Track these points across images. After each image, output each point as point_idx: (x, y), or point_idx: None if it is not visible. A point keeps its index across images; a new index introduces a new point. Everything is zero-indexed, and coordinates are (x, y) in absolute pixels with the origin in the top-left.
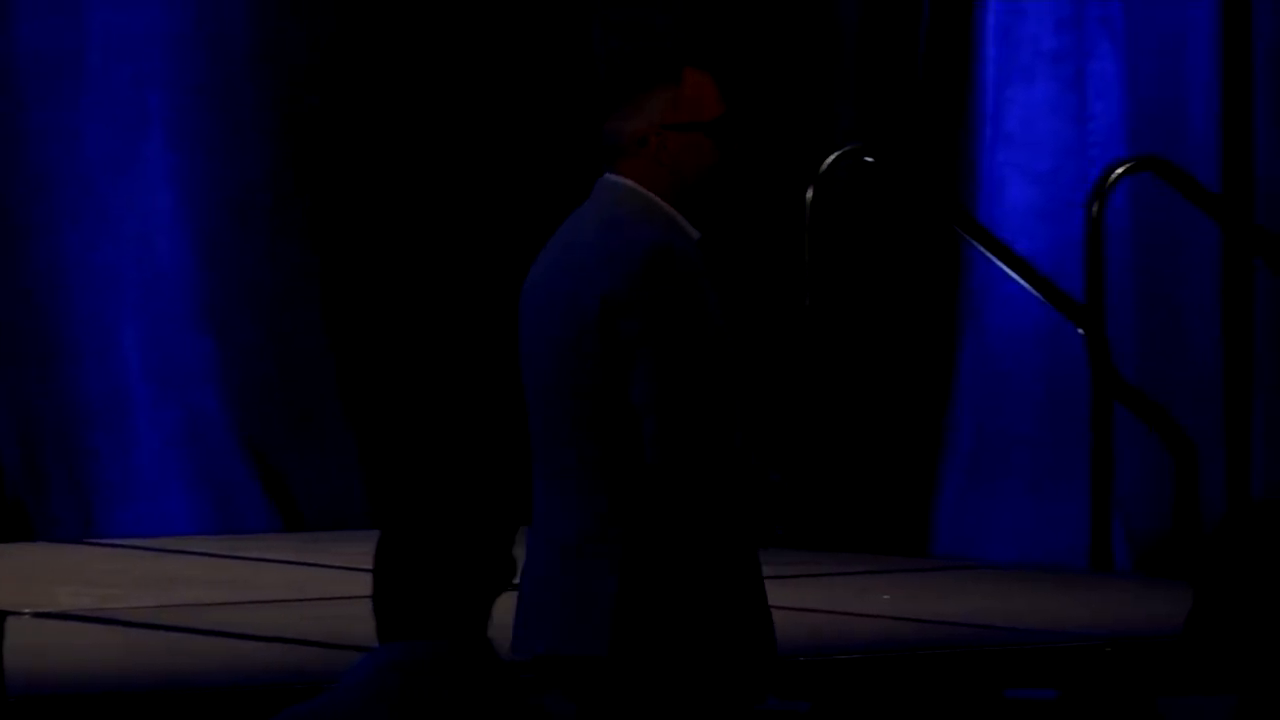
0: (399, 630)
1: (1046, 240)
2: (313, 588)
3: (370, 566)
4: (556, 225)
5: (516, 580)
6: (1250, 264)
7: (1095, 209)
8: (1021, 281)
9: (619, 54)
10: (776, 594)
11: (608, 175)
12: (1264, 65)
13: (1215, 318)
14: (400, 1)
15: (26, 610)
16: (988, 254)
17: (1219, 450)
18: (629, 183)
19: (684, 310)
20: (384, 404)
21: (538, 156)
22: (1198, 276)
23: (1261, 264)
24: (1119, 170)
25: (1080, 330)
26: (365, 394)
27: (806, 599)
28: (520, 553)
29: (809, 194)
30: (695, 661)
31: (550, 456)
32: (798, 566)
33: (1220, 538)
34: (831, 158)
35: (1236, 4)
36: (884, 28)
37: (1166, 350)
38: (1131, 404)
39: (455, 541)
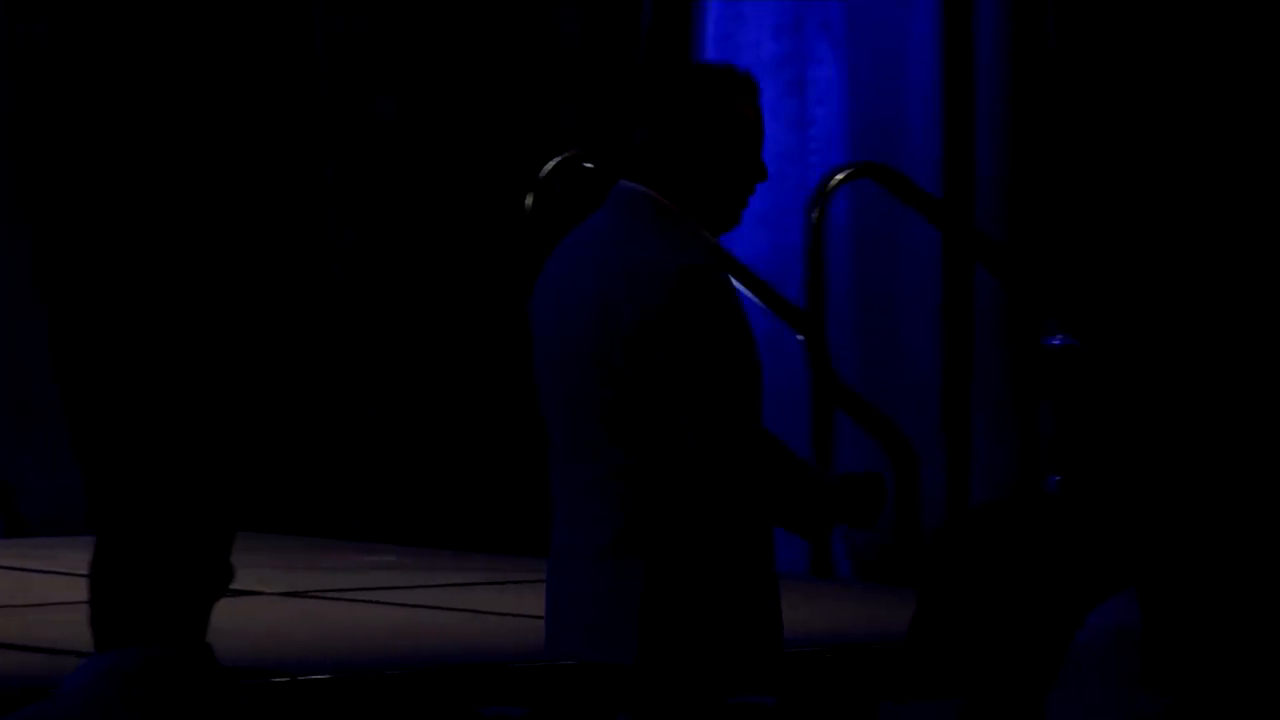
0: (116, 636)
1: (767, 246)
2: (34, 593)
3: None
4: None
5: (236, 585)
6: (970, 269)
7: (815, 215)
8: (741, 287)
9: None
10: (496, 601)
11: (624, 183)
12: (985, 71)
13: (935, 323)
14: None
15: None
16: None
17: (939, 456)
18: (650, 192)
19: (720, 330)
20: (99, 407)
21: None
22: (918, 282)
23: (981, 269)
24: (839, 176)
25: (800, 336)
26: (82, 396)
27: (526, 605)
28: (237, 560)
29: (528, 200)
30: (716, 666)
31: (579, 466)
32: (518, 572)
33: (941, 544)
34: (551, 164)
35: (958, 10)
36: (604, 33)
37: (887, 356)
38: (852, 410)
39: (171, 546)
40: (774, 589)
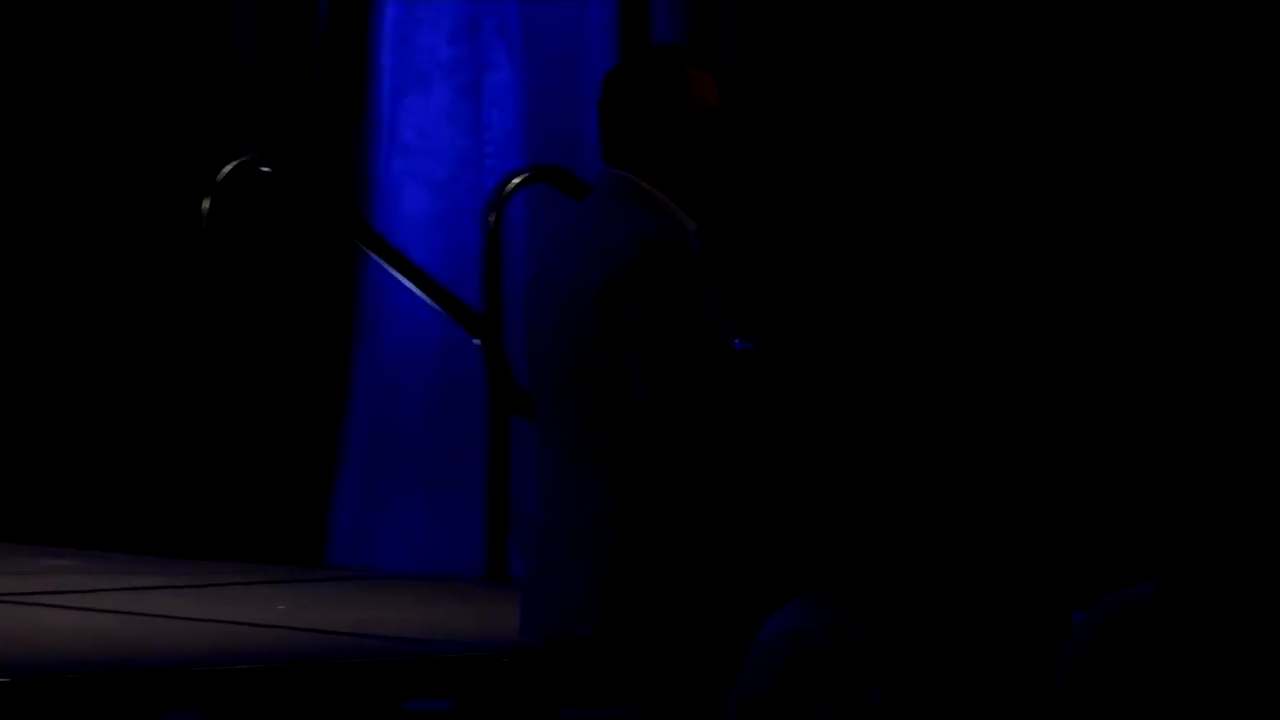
0: None
1: (443, 250)
2: None
3: None
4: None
5: None
6: None
7: (492, 219)
8: (418, 291)
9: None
10: (175, 604)
11: (608, 169)
12: None
13: None
14: None
15: None
16: (384, 264)
17: None
18: (628, 175)
19: (678, 301)
20: None
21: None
22: None
23: None
24: (516, 180)
25: (477, 340)
26: None
27: (205, 609)
28: None
29: (205, 204)
30: (680, 640)
31: (560, 445)
32: (196, 576)
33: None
34: (228, 167)
35: (634, 16)
36: (280, 36)
37: None
38: (529, 415)
39: None
40: (744, 572)
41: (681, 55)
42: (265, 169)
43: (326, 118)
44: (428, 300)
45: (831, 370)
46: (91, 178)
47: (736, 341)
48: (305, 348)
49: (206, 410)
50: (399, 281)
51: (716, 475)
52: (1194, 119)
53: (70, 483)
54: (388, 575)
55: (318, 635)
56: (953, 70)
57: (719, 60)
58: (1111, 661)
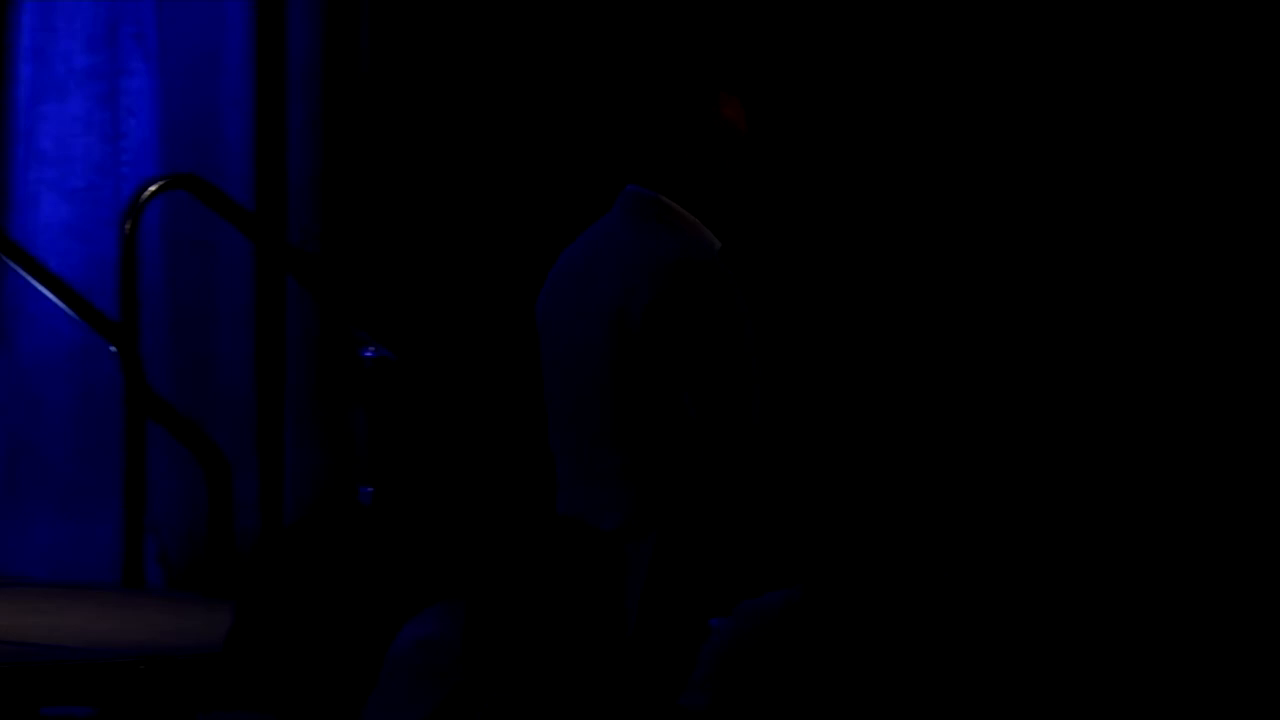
0: None
1: (81, 258)
2: None
3: None
4: None
5: None
6: (283, 281)
7: (128, 227)
8: (55, 299)
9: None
10: None
11: (632, 187)
12: (298, 86)
13: (249, 335)
14: None
15: None
16: (21, 272)
17: (253, 466)
18: (658, 196)
19: (723, 321)
20: None
21: None
22: (232, 294)
23: (294, 282)
24: (152, 188)
25: (114, 348)
26: None
27: None
28: None
29: None
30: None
31: (590, 459)
32: None
33: (259, 556)
34: None
35: (271, 26)
36: None
37: (202, 367)
38: (165, 420)
39: None
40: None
41: (715, 79)
42: None
43: None
44: (65, 308)
45: (465, 378)
46: None
47: (370, 350)
48: None
49: None
50: (36, 289)
51: (760, 490)
52: (1194, 119)
53: None
54: (26, 582)
55: None
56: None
57: (353, 71)
58: (742, 671)
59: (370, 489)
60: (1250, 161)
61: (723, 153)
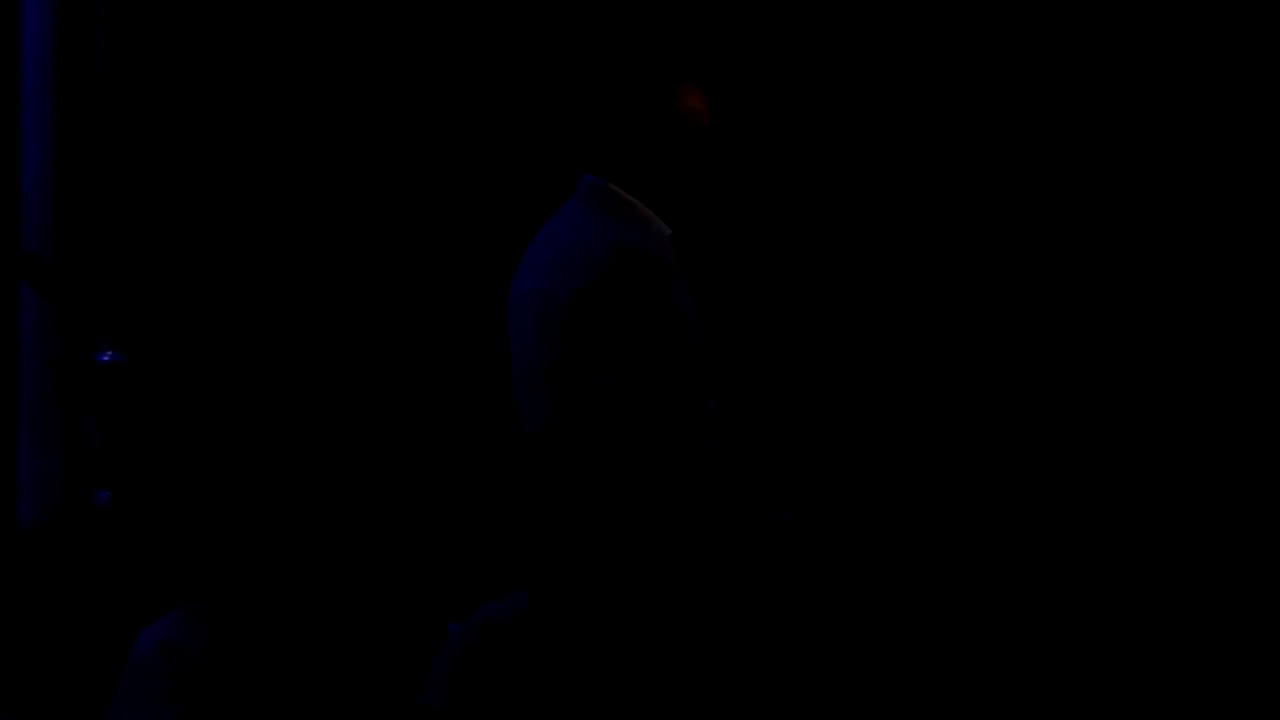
0: None
1: None
2: None
3: None
4: None
5: None
6: (15, 286)
7: None
8: None
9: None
10: None
11: (588, 176)
12: (32, 91)
13: None
14: None
15: None
16: None
17: None
18: (606, 184)
19: (646, 306)
20: None
21: None
22: None
23: (27, 288)
24: None
25: None
26: None
27: None
28: None
29: None
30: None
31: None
32: None
33: None
34: None
35: (2, 19)
36: None
37: None
38: None
39: None
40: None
41: (674, 71)
42: None
43: None
44: None
45: (201, 381)
46: None
47: (106, 354)
48: None
49: None
50: None
51: (685, 478)
52: (1194, 119)
53: None
54: None
55: None
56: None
57: (88, 70)
58: (475, 675)
59: (107, 493)
60: (1250, 161)
61: (679, 143)
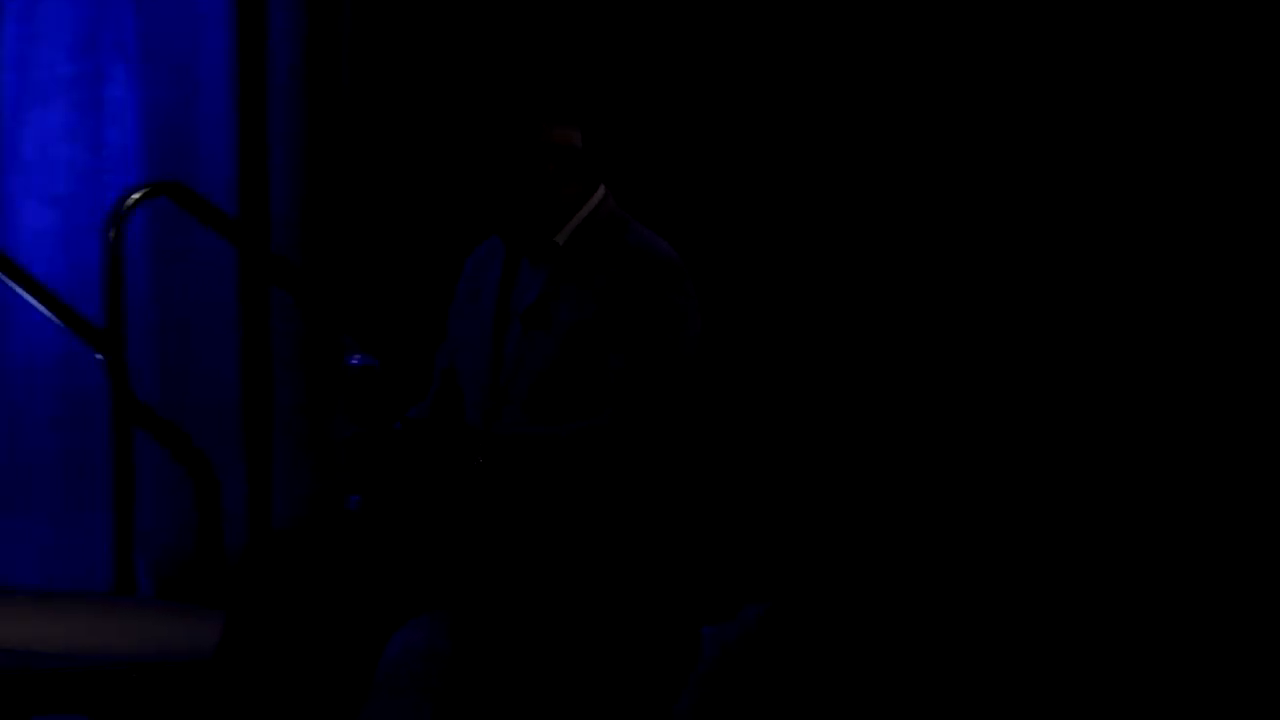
0: None
1: (65, 265)
2: None
3: None
4: None
5: None
6: (267, 289)
7: (112, 234)
8: (40, 307)
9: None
10: None
11: None
12: (280, 93)
13: (234, 343)
14: None
15: None
16: (6, 279)
17: (241, 474)
18: None
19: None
20: None
21: None
22: (217, 302)
23: (278, 290)
24: (135, 196)
25: (100, 356)
26: None
27: None
28: None
29: None
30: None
31: None
32: None
33: (248, 564)
34: None
35: (252, 33)
36: None
37: (187, 375)
38: (151, 428)
39: None
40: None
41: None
42: None
43: None
44: (50, 315)
45: None
46: None
47: (356, 357)
48: None
49: None
50: (21, 297)
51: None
52: (1194, 119)
53: None
54: (15, 591)
55: None
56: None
57: (335, 80)
58: (726, 679)
59: (357, 497)
60: (1250, 161)
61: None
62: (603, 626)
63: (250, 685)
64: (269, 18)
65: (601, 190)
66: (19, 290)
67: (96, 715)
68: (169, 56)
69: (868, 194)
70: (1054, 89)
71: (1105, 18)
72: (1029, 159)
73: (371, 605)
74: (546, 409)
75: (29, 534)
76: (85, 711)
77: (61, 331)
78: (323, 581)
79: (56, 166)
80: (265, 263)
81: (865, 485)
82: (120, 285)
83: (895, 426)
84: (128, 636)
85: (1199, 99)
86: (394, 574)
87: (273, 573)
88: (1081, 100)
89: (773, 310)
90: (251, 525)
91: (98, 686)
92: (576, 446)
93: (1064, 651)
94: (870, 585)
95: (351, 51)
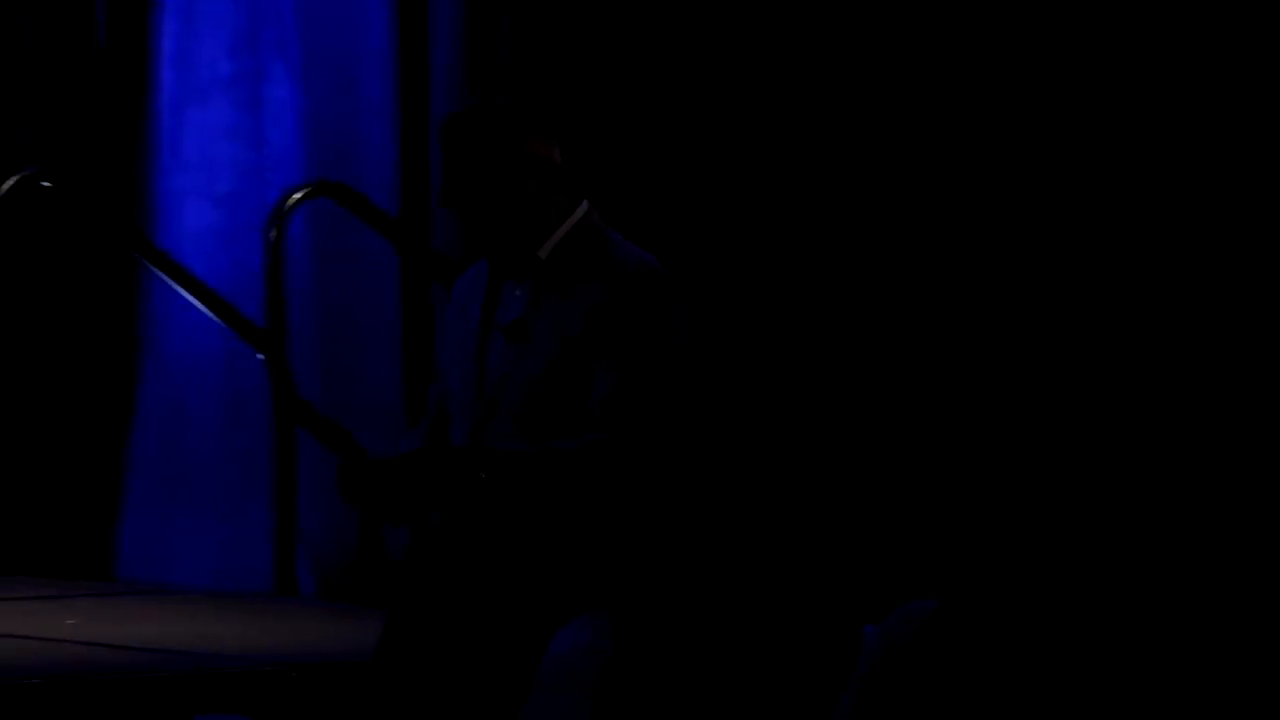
0: None
1: (227, 265)
2: None
3: None
4: None
5: None
6: (428, 287)
7: (274, 233)
8: (201, 306)
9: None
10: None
11: None
12: (440, 91)
13: (396, 340)
14: None
15: None
16: (167, 279)
17: None
18: None
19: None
20: None
21: None
22: (378, 300)
23: (440, 288)
24: (297, 195)
25: (261, 355)
26: None
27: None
28: None
29: None
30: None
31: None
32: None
33: (407, 564)
34: (9, 183)
35: (412, 32)
36: (60, 52)
37: (349, 373)
38: (313, 427)
39: None
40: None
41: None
42: (47, 184)
43: (107, 132)
44: (211, 315)
45: None
46: None
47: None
48: (89, 363)
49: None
50: (182, 296)
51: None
52: (1194, 119)
53: None
54: (177, 589)
55: (107, 649)
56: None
57: (496, 79)
58: (890, 679)
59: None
60: (1250, 161)
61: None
62: (762, 626)
63: (410, 685)
64: (430, 17)
65: (585, 204)
66: (180, 290)
67: (257, 715)
68: (329, 55)
69: (863, 196)
70: (1054, 90)
71: (1105, 19)
72: (1029, 160)
73: (532, 603)
74: (534, 422)
75: (193, 530)
76: (247, 711)
77: (223, 331)
78: (484, 581)
79: (218, 166)
80: (427, 261)
81: (1035, 478)
82: (281, 284)
83: (1072, 417)
84: (289, 636)
85: (1199, 100)
86: (556, 571)
87: (433, 571)
88: (1081, 102)
89: (875, 306)
90: (412, 527)
91: (258, 687)
92: (579, 463)
93: (1246, 654)
94: (1043, 581)
95: (513, 50)
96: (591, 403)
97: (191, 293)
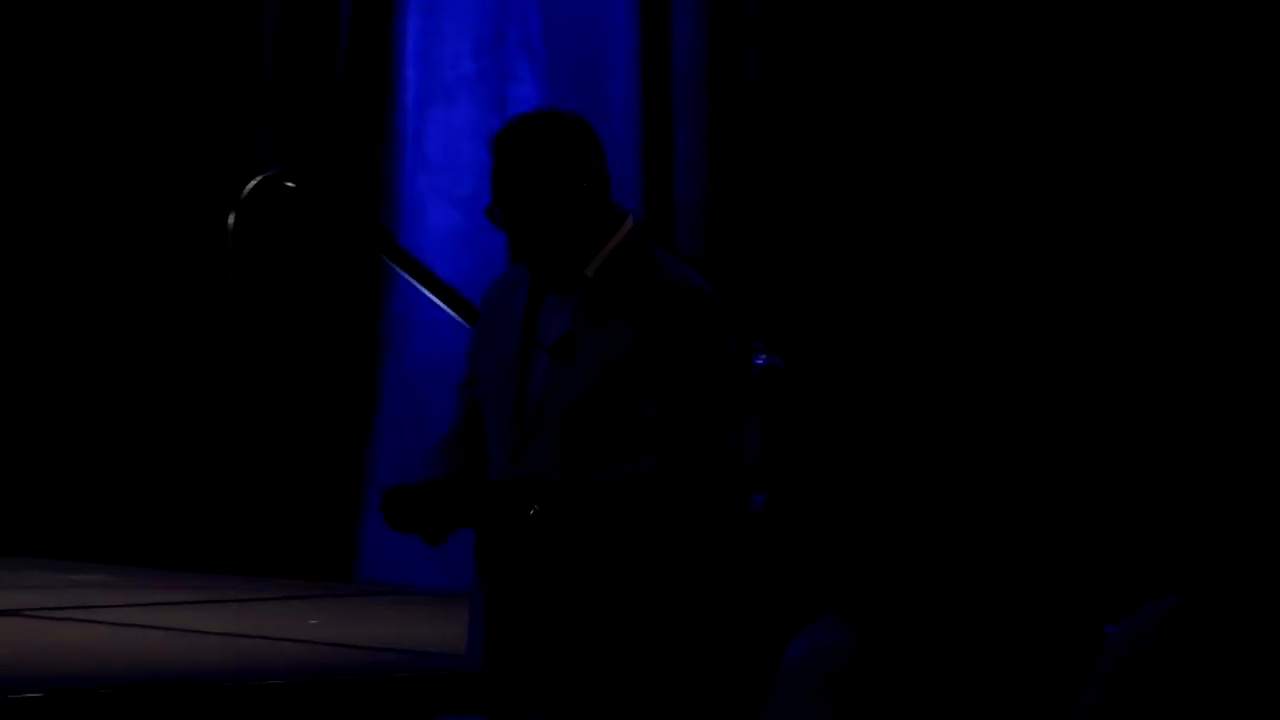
0: None
1: (469, 265)
2: None
3: None
4: None
5: None
6: None
7: None
8: (444, 306)
9: None
10: (207, 619)
11: None
12: (683, 93)
13: None
14: None
15: None
16: (410, 279)
17: None
18: None
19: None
20: None
21: None
22: None
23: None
24: None
25: None
26: None
27: (236, 624)
28: None
29: (230, 219)
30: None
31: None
32: (225, 590)
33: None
34: (253, 183)
35: (655, 30)
36: (303, 51)
37: None
38: None
39: None
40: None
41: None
42: (290, 184)
43: (351, 132)
44: (454, 315)
45: (858, 389)
46: (118, 192)
47: (762, 358)
48: (332, 362)
49: (234, 426)
50: (425, 296)
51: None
52: (1194, 119)
53: (99, 499)
54: (418, 590)
55: (350, 650)
56: (971, 86)
57: (740, 81)
58: (1135, 677)
59: (762, 497)
60: (1250, 161)
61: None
62: (1001, 626)
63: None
64: (673, 18)
65: (629, 221)
66: (423, 290)
67: (498, 715)
68: (573, 56)
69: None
70: (1054, 91)
71: (1105, 20)
72: (1028, 160)
73: (774, 603)
74: (576, 442)
75: None
76: (487, 712)
77: (466, 331)
78: (726, 581)
79: (461, 166)
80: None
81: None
82: None
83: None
84: None
85: (1199, 101)
86: (797, 573)
87: (673, 572)
88: (1081, 103)
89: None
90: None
91: (497, 688)
92: (632, 493)
93: None
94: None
95: (759, 51)
96: (643, 426)
97: (434, 293)
